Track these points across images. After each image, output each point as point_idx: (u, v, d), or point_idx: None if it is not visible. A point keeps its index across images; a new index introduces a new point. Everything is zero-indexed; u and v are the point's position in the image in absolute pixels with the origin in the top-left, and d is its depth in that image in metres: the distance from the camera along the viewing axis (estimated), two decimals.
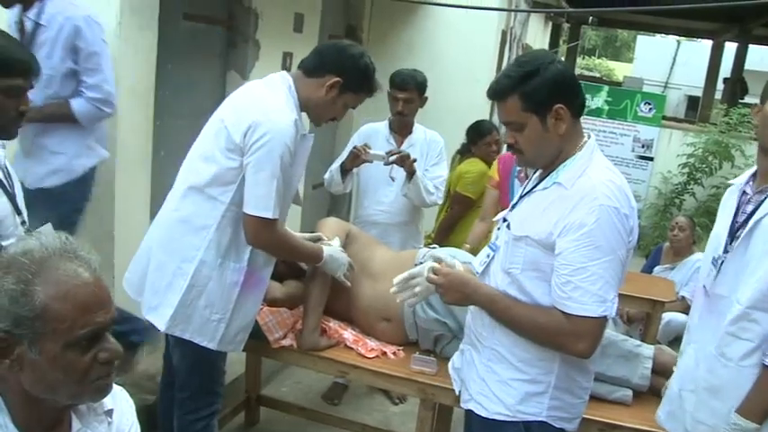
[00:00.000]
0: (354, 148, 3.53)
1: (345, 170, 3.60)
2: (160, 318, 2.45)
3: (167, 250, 2.45)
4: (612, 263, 1.85)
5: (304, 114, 2.51)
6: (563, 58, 13.22)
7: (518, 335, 1.98)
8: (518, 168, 3.66)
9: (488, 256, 2.11)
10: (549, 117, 1.90)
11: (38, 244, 1.21)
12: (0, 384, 1.22)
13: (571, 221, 1.85)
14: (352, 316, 2.98)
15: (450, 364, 2.40)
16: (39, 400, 1.23)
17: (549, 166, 2.00)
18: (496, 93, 1.95)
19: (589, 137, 2.01)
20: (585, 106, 2.01)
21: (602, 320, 1.88)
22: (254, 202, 2.32)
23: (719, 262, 2.00)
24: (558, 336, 1.91)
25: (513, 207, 2.09)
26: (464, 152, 4.68)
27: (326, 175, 3.71)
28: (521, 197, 2.08)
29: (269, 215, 2.32)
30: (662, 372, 2.62)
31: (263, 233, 2.37)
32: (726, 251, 1.99)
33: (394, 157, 3.45)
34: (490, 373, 2.05)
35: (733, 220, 2.02)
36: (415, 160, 3.51)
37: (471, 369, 2.14)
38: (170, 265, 2.43)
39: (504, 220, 2.09)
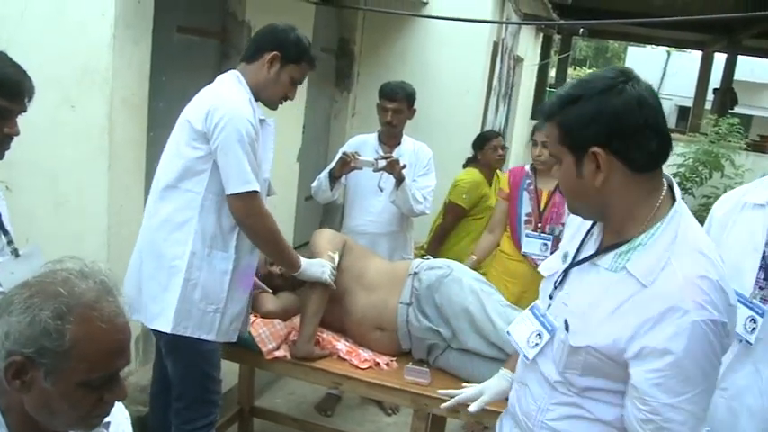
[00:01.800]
0: (344, 154, 3.54)
1: (334, 177, 3.61)
2: (165, 321, 2.47)
3: (155, 256, 2.50)
4: (704, 393, 1.40)
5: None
6: (554, 70, 13.30)
7: None
8: (527, 181, 3.67)
9: (540, 336, 1.65)
10: (586, 160, 1.43)
11: (78, 273, 1.23)
12: (2, 400, 1.23)
13: (651, 344, 1.38)
14: (345, 326, 2.99)
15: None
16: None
17: (607, 225, 1.55)
18: (542, 113, 1.57)
19: (673, 196, 1.49)
20: (662, 155, 1.46)
21: None
22: (233, 180, 2.39)
23: (752, 301, 1.71)
24: None
25: (563, 278, 1.63)
26: (469, 164, 4.67)
27: (314, 183, 3.71)
28: (571, 265, 1.61)
29: (250, 188, 2.39)
30: None
31: (250, 207, 2.43)
32: (761, 287, 1.72)
33: (383, 163, 3.47)
34: None
35: (764, 251, 1.73)
36: (404, 166, 3.53)
37: None
38: (162, 269, 2.48)
39: (550, 297, 1.66)
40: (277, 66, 2.53)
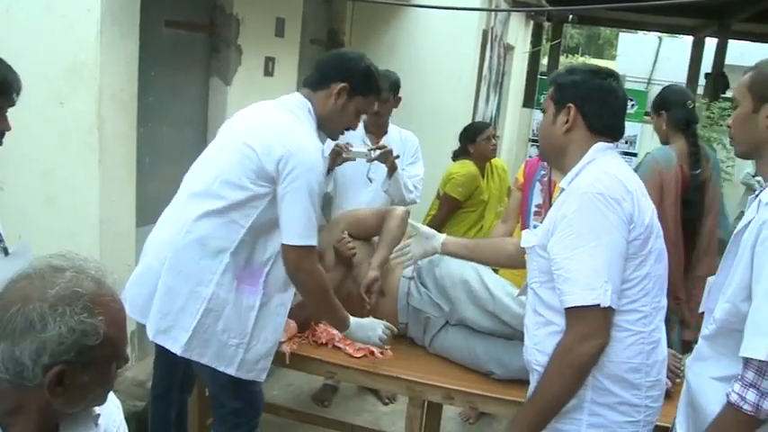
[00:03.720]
0: (336, 145, 3.54)
1: (327, 170, 3.61)
2: (174, 342, 2.35)
3: (179, 273, 2.35)
4: (599, 249, 1.76)
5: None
6: (546, 57, 13.29)
7: (565, 393, 1.83)
8: (542, 172, 3.66)
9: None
10: (562, 112, 1.97)
11: (76, 268, 1.25)
12: (10, 417, 1.23)
13: (557, 217, 1.84)
14: (351, 295, 2.97)
15: None
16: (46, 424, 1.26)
17: (562, 171, 2.03)
18: (549, 79, 2.13)
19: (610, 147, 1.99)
20: (614, 131, 2.01)
21: (597, 310, 1.75)
22: (294, 231, 2.30)
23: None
24: (568, 353, 1.79)
25: None
26: (458, 156, 4.64)
27: None
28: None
29: (309, 242, 2.33)
30: None
31: (303, 262, 2.35)
32: None
33: (377, 153, 3.47)
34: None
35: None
36: (397, 156, 3.54)
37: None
38: (183, 289, 2.34)
39: None
40: (344, 97, 2.45)
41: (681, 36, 18.26)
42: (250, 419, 2.56)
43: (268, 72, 4.68)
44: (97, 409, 1.38)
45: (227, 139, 2.45)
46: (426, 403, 2.78)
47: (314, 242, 2.34)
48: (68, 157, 3.16)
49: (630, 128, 8.37)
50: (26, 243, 2.01)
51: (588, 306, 1.75)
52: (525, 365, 2.08)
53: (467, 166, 4.41)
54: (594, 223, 1.77)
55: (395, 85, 3.75)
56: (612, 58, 28.42)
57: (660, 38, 22.00)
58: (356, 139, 3.79)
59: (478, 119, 7.05)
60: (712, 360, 1.78)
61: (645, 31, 20.47)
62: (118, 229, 3.30)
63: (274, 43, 4.71)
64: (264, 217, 2.34)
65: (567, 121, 1.96)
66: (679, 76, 15.29)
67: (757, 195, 1.77)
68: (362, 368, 2.73)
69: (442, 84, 6.16)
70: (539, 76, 10.98)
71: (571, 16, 10.84)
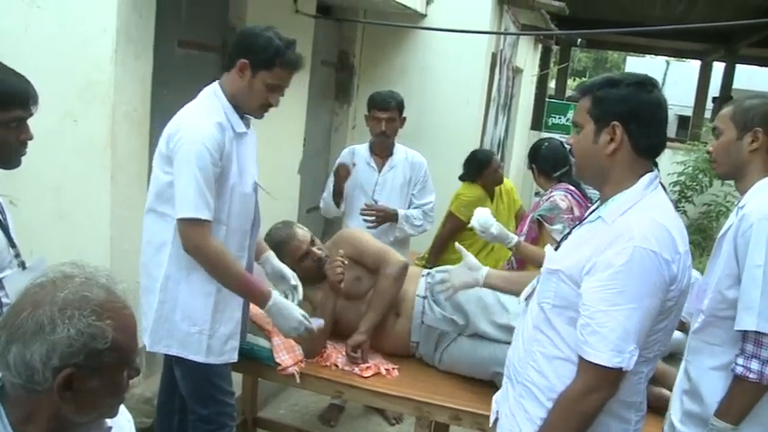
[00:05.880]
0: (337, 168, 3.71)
1: (338, 192, 3.70)
2: (146, 337, 2.49)
3: (145, 275, 2.52)
4: (637, 312, 1.66)
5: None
6: (554, 80, 13.37)
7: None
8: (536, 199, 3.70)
9: (533, 286, 1.99)
10: (605, 131, 1.78)
11: (85, 275, 1.26)
12: (22, 426, 1.23)
13: (600, 260, 1.69)
14: (345, 318, 3.00)
15: (494, 396, 2.20)
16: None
17: (600, 191, 1.88)
18: (580, 89, 1.90)
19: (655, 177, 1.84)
20: (659, 150, 1.84)
21: (616, 373, 1.69)
22: (179, 204, 2.31)
23: None
24: (574, 404, 1.74)
25: (563, 240, 1.97)
26: (464, 179, 4.64)
27: (321, 204, 3.86)
28: (573, 228, 1.96)
29: (193, 215, 2.28)
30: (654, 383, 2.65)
31: (193, 236, 2.31)
32: None
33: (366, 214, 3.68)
34: (520, 410, 1.91)
35: None
36: (385, 216, 3.70)
37: (505, 403, 2.01)
38: (149, 288, 2.49)
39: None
40: (248, 73, 2.40)
41: (688, 60, 18.33)
42: (219, 428, 2.57)
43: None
44: (109, 422, 1.39)
45: None
46: (433, 424, 2.78)
47: (199, 214, 2.29)
48: (81, 174, 3.19)
49: None
50: (42, 257, 2.04)
51: (608, 367, 1.68)
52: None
53: (474, 190, 4.42)
54: (641, 284, 1.66)
55: (401, 105, 3.77)
56: None
57: (668, 62, 22.11)
58: (361, 160, 3.82)
59: (487, 141, 7.07)
60: (705, 352, 2.07)
61: (652, 55, 20.55)
62: (128, 246, 3.31)
63: None
64: None
65: (611, 141, 1.77)
66: (687, 99, 15.33)
67: (737, 204, 2.09)
68: (370, 388, 2.73)
69: (451, 106, 6.19)
70: (547, 99, 11.01)
71: (579, 40, 10.90)
